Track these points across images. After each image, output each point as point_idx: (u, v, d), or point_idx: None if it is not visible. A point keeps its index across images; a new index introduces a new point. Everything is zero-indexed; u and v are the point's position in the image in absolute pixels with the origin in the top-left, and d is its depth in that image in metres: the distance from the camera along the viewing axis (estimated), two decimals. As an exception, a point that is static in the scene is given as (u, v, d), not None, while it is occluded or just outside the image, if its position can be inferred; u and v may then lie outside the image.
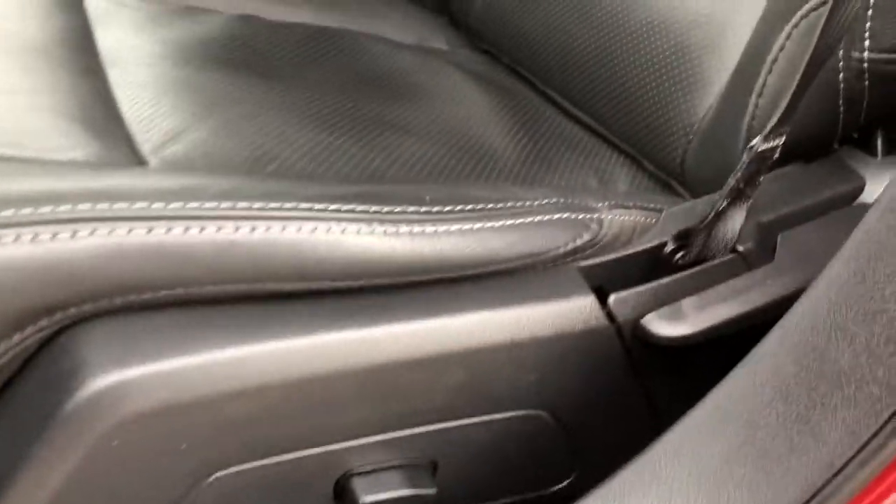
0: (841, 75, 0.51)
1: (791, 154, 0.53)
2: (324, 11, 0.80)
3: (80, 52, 0.60)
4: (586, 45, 0.70)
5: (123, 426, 0.40)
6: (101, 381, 0.40)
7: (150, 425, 0.41)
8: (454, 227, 0.45)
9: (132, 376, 0.40)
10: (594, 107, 0.70)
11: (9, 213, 0.40)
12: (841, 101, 0.53)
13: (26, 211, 0.40)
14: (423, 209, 0.45)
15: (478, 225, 0.46)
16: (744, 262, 0.51)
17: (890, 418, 0.38)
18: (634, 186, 0.64)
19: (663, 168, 0.64)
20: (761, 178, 0.50)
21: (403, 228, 0.44)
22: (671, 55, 0.63)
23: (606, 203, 0.52)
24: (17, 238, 0.39)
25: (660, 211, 0.54)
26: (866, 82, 0.52)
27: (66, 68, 0.57)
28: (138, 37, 0.67)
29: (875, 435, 0.38)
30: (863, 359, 0.39)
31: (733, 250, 0.51)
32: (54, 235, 0.40)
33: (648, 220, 0.53)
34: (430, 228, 0.45)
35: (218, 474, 0.43)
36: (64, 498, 0.42)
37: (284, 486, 0.46)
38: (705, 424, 0.43)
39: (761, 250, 0.51)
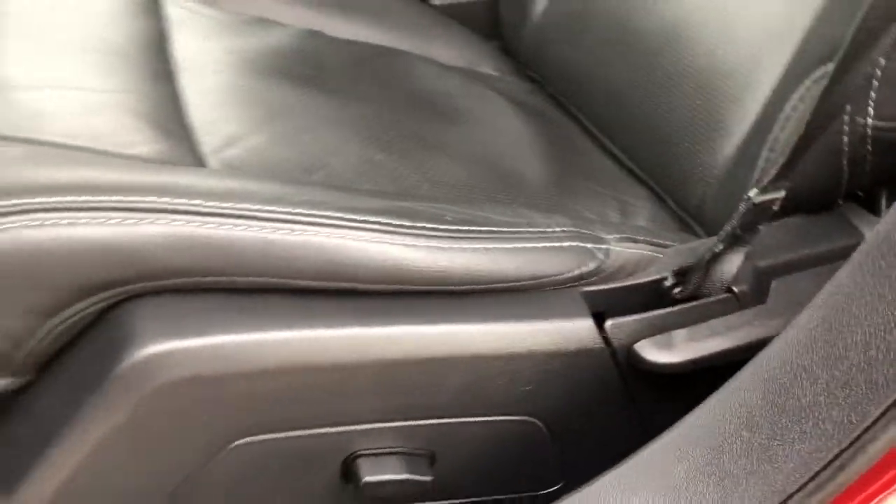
0: (845, 139, 0.55)
1: (797, 206, 0.57)
2: (383, 31, 0.86)
3: (155, 56, 0.67)
4: (625, 80, 0.74)
5: (163, 391, 0.47)
6: (148, 350, 0.46)
7: (186, 392, 0.47)
8: (468, 245, 0.51)
9: (174, 348, 0.46)
10: (627, 141, 0.75)
11: (84, 198, 0.47)
12: (845, 162, 0.56)
13: (100, 197, 0.47)
14: (443, 227, 0.51)
15: (491, 245, 0.51)
16: (736, 302, 0.55)
17: (840, 454, 0.42)
18: (654, 222, 0.68)
19: (684, 208, 0.68)
20: (761, 226, 0.54)
21: (422, 243, 0.50)
22: (699, 101, 0.67)
23: (617, 235, 0.57)
24: (90, 221, 0.46)
25: (667, 247, 0.58)
26: (869, 147, 0.55)
27: (141, 71, 0.64)
28: (210, 44, 0.74)
29: (825, 467, 0.42)
30: (822, 398, 0.43)
31: (728, 290, 0.55)
32: (121, 221, 0.46)
33: (655, 254, 0.57)
34: (445, 245, 0.50)
35: (239, 442, 0.49)
36: (105, 449, 0.48)
37: (297, 460, 0.52)
38: (676, 444, 0.47)
39: (755, 292, 0.55)
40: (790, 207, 0.55)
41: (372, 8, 0.88)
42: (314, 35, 0.81)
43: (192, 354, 0.47)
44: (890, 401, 0.40)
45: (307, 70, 0.75)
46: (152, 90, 0.62)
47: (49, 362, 0.50)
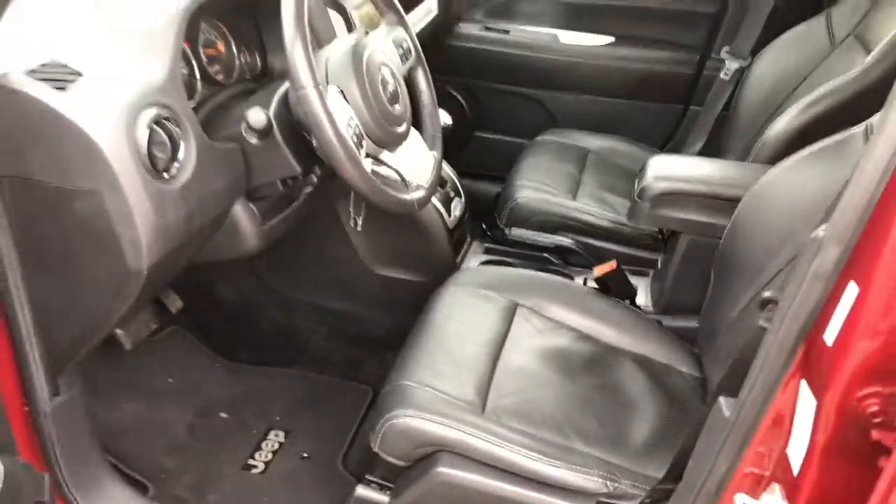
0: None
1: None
2: (614, 331, 1.63)
3: (497, 338, 1.58)
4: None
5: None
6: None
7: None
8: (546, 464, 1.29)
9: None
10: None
11: (414, 416, 1.39)
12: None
13: (428, 415, 1.38)
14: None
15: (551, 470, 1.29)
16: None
17: None
18: None
19: None
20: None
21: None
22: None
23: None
24: (423, 423, 1.38)
25: None
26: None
27: (487, 351, 1.55)
28: (528, 340, 1.62)
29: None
30: None
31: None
32: (434, 426, 1.37)
33: None
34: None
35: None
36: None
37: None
38: None
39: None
40: None
41: (614, 316, 1.66)
42: (586, 338, 1.63)
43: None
44: None
45: (568, 360, 1.58)
46: (481, 356, 1.52)
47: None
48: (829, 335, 0.82)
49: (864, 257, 0.78)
